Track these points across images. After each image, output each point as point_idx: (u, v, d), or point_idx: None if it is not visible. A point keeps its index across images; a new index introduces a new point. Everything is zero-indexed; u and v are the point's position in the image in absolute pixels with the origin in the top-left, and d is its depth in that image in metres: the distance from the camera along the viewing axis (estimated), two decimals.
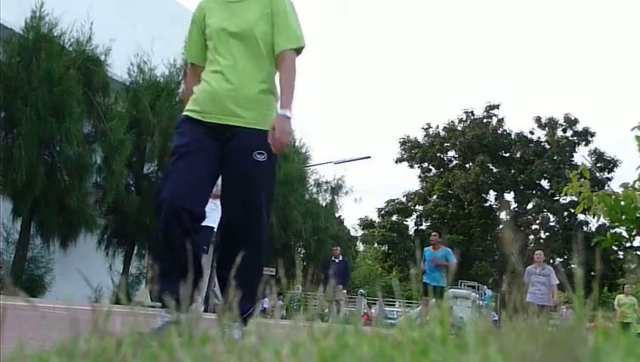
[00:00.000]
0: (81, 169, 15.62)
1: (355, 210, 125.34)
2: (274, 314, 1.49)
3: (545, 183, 41.13)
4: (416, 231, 41.98)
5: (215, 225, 7.14)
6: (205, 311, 15.77)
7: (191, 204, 3.23)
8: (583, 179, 7.52)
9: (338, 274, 15.25)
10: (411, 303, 28.96)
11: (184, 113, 3.45)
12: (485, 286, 31.16)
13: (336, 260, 15.96)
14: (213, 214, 7.12)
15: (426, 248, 12.97)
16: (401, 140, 43.28)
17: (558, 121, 41.18)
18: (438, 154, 43.16)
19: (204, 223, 6.84)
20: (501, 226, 39.32)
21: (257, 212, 3.34)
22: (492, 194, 42.40)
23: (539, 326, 1.14)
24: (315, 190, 27.23)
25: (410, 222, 43.13)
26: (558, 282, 11.17)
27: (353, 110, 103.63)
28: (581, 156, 39.59)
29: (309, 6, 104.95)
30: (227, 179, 3.38)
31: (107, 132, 16.21)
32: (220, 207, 7.17)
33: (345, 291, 17.17)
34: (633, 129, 6.80)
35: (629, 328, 12.78)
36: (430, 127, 43.28)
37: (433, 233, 13.16)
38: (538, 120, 41.69)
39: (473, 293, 27.83)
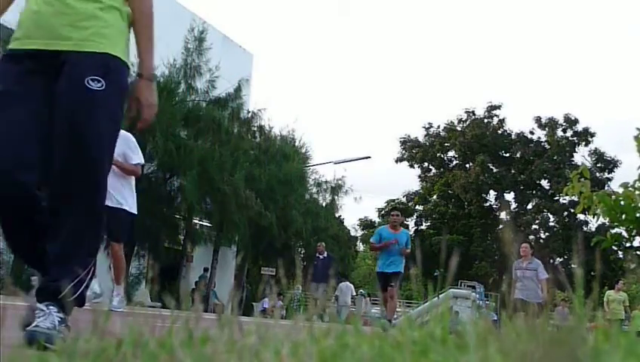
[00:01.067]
0: None
1: (355, 210, 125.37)
2: (274, 314, 1.49)
3: (545, 183, 41.13)
4: (416, 231, 41.97)
5: (135, 211, 6.56)
6: (205, 311, 15.73)
7: (18, 172, 2.41)
8: (583, 179, 7.53)
9: (322, 271, 14.95)
10: (411, 303, 28.95)
11: (8, 47, 2.71)
12: (479, 284, 31.13)
13: (321, 256, 15.75)
14: (126, 194, 6.58)
15: (381, 227, 11.50)
16: (402, 140, 43.30)
17: (558, 121, 41.18)
18: (438, 154, 43.17)
19: (122, 207, 6.43)
20: (501, 226, 39.30)
21: (92, 165, 2.50)
22: (492, 194, 42.43)
23: (539, 326, 1.14)
24: (315, 190, 27.21)
25: (411, 222, 43.13)
26: (547, 276, 10.42)
27: (353, 110, 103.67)
28: (581, 156, 39.63)
29: (310, 6, 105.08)
30: (55, 121, 2.50)
31: None
32: (133, 186, 6.56)
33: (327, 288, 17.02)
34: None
35: (621, 324, 12.67)
36: (432, 126, 43.33)
37: (395, 212, 11.66)
38: (538, 120, 41.69)
39: (473, 293, 27.86)
